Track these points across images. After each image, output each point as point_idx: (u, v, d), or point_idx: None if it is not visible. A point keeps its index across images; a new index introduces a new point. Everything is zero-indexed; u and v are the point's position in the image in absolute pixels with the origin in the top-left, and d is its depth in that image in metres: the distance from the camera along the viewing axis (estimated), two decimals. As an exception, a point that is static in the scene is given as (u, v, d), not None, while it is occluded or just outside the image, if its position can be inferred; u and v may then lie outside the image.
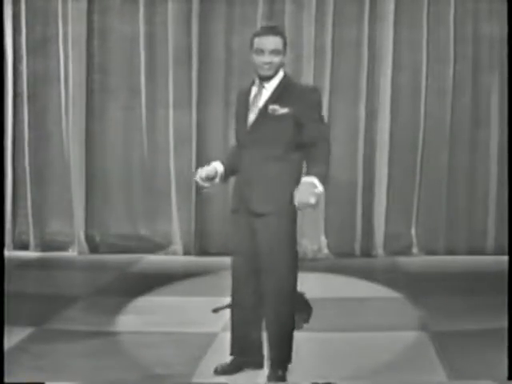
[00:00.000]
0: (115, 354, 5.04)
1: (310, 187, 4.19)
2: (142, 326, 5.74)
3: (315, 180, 4.21)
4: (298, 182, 4.36)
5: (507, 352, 4.51)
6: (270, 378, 4.50)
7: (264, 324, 4.59)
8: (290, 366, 4.58)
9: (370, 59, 8.36)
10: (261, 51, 4.35)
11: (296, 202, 4.21)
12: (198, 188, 4.60)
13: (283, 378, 4.49)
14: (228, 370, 4.64)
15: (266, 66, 4.37)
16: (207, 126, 8.45)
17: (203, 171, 4.52)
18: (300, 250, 8.21)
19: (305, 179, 4.24)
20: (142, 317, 5.98)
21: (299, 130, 4.36)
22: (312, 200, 4.18)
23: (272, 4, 8.40)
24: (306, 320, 5.57)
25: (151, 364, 4.84)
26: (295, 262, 4.48)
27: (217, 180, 4.58)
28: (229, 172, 4.59)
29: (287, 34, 8.04)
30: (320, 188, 4.21)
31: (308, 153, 4.36)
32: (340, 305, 6.39)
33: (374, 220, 8.51)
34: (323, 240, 8.52)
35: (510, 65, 7.95)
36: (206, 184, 4.53)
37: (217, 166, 4.57)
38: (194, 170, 8.36)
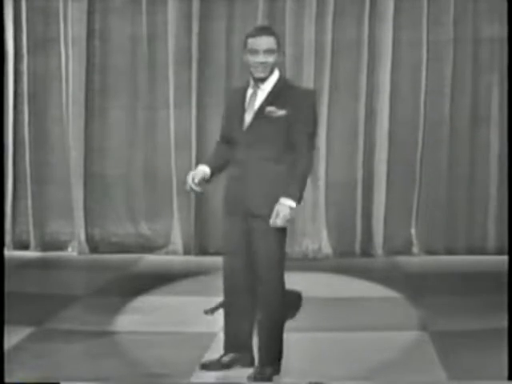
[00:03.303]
0: (115, 354, 5.05)
1: (286, 210, 4.33)
2: (142, 325, 5.74)
3: (291, 202, 4.35)
4: None
5: (507, 352, 4.51)
6: (256, 376, 4.50)
7: (256, 323, 4.62)
8: (289, 365, 4.60)
9: (370, 58, 8.36)
10: (255, 51, 4.37)
11: (271, 222, 4.35)
12: (194, 194, 4.62)
13: (270, 376, 4.51)
14: (218, 366, 4.66)
15: (260, 67, 4.39)
16: (207, 126, 8.44)
17: (195, 177, 4.53)
18: (300, 249, 8.35)
19: (283, 201, 4.35)
20: (141, 317, 5.98)
21: (289, 133, 4.40)
22: (285, 224, 4.36)
23: (272, 3, 8.40)
24: (293, 315, 5.60)
25: (151, 364, 4.84)
26: (284, 263, 4.54)
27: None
28: (214, 173, 4.61)
29: (287, 33, 8.22)
30: (293, 205, 4.36)
31: (292, 160, 4.42)
32: (340, 305, 6.39)
33: (374, 220, 8.51)
34: (323, 239, 8.52)
35: (509, 65, 7.96)
36: (199, 189, 4.54)
37: (205, 170, 4.58)
38: (194, 170, 8.37)
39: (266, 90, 4.46)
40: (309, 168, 4.47)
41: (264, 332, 4.56)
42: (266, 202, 4.40)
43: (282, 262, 4.51)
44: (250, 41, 4.38)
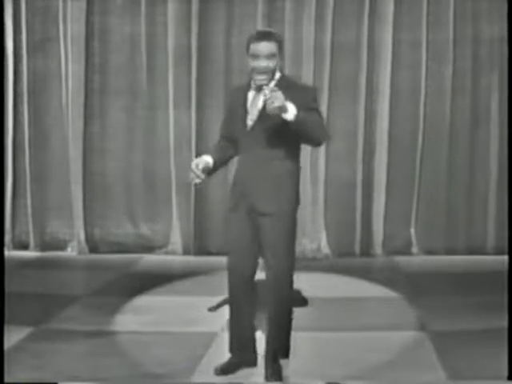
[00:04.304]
0: (115, 354, 5.05)
1: (283, 99, 4.22)
2: (142, 325, 5.74)
3: (293, 110, 4.25)
4: (298, 180, 4.57)
5: (507, 352, 4.51)
6: (267, 370, 4.54)
7: (266, 319, 4.64)
8: (289, 365, 4.62)
9: (370, 59, 8.35)
10: (256, 56, 4.42)
11: (266, 95, 4.26)
12: (193, 182, 4.53)
13: (280, 371, 4.54)
14: (226, 370, 4.66)
15: (262, 73, 4.43)
16: (207, 126, 8.43)
17: (200, 164, 4.49)
18: (299, 249, 8.33)
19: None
20: (141, 316, 5.99)
21: None
22: (275, 104, 4.21)
23: (272, 3, 8.40)
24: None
25: (151, 363, 4.85)
26: (294, 260, 4.57)
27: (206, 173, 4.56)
28: (216, 166, 4.60)
29: (286, 33, 8.20)
30: (291, 111, 4.24)
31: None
32: (339, 304, 6.39)
33: (374, 220, 8.51)
34: (323, 239, 8.51)
35: (509, 65, 7.96)
36: (203, 176, 4.49)
37: (208, 160, 4.56)
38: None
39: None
40: (322, 133, 4.44)
41: (274, 328, 4.58)
42: (273, 200, 4.46)
43: (292, 259, 4.54)
44: (252, 46, 4.43)
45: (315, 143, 4.58)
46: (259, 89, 4.48)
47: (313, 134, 4.40)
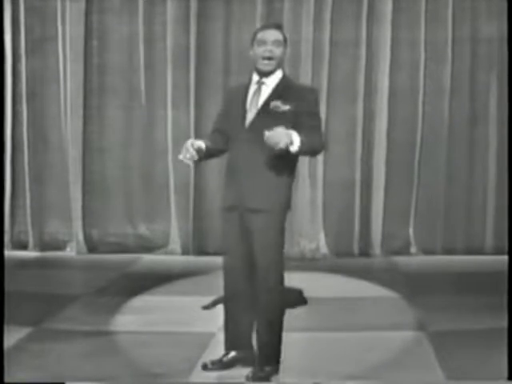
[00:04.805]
0: (114, 354, 5.05)
1: (286, 133, 4.23)
2: (141, 325, 5.75)
3: (295, 134, 4.25)
4: (293, 180, 4.56)
5: (507, 352, 4.51)
6: (254, 376, 4.51)
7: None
8: (288, 365, 4.60)
9: (368, 58, 8.36)
10: (263, 42, 4.46)
11: (266, 137, 4.22)
12: (186, 161, 4.44)
13: (269, 376, 4.52)
14: (220, 363, 4.67)
15: (267, 59, 4.46)
16: (205, 126, 8.39)
17: (194, 144, 4.42)
18: (298, 249, 8.35)
19: (290, 132, 4.27)
20: (140, 316, 5.99)
21: (296, 127, 4.39)
22: (281, 144, 4.21)
23: (270, 3, 8.41)
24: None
25: (149, 363, 4.84)
26: (283, 259, 4.55)
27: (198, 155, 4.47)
28: (207, 153, 4.53)
29: (285, 32, 8.17)
30: (295, 143, 4.24)
31: None
32: (338, 304, 6.39)
33: (372, 220, 8.51)
34: (321, 239, 8.51)
35: (509, 64, 7.96)
36: (196, 157, 4.41)
37: (202, 144, 4.49)
38: (192, 169, 8.35)
39: (271, 86, 4.51)
40: (320, 146, 4.50)
41: (263, 330, 4.56)
42: (266, 198, 4.44)
43: (281, 259, 4.52)
44: (260, 34, 4.49)
45: (312, 156, 4.79)
46: (261, 83, 4.49)
47: (312, 153, 4.62)
